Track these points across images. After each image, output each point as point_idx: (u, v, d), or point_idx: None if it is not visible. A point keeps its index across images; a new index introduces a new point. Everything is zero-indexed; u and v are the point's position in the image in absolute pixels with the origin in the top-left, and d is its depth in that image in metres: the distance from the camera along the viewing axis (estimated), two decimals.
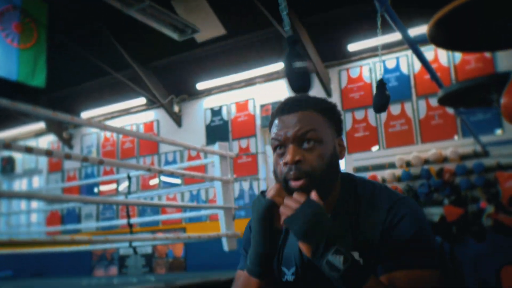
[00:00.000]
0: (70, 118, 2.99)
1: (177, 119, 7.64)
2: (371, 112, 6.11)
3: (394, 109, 5.96)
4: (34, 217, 9.71)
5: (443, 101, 2.73)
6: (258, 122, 6.95)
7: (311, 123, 1.09)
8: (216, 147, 4.36)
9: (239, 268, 1.30)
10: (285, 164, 1.09)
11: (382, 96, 2.22)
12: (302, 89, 1.44)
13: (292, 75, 1.45)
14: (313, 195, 1.04)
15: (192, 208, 5.15)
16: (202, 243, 5.99)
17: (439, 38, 1.77)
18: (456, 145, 5.41)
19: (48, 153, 2.76)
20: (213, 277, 3.55)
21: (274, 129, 1.14)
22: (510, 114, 1.70)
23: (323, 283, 1.10)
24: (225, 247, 4.23)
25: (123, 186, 7.87)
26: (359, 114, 6.20)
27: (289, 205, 1.04)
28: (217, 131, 7.29)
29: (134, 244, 4.46)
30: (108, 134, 8.50)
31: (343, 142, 1.18)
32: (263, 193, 1.12)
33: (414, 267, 1.04)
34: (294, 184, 1.09)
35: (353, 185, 1.18)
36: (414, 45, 2.27)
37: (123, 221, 5.04)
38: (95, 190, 8.36)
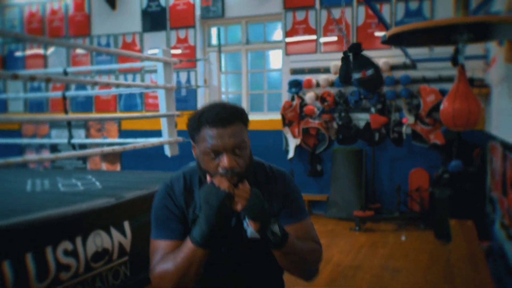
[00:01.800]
0: None
1: (111, 1, 7.19)
2: (312, 14, 6.14)
3: (335, 13, 6.02)
4: None
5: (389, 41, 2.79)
6: (198, 12, 6.74)
7: (240, 135, 1.40)
8: (159, 53, 4.31)
9: (157, 238, 1.53)
10: (225, 168, 1.37)
11: (348, 68, 2.33)
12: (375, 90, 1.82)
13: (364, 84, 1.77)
14: (245, 183, 1.39)
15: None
16: (137, 133, 6.12)
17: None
18: (388, 56, 5.69)
19: None
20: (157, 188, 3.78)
21: (210, 140, 1.38)
22: (446, 120, 1.92)
23: (235, 247, 1.53)
24: (168, 153, 4.43)
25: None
26: (300, 15, 6.21)
27: (243, 196, 1.35)
28: (154, 17, 7.01)
29: (73, 141, 4.54)
30: (33, 8, 7.87)
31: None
32: (212, 183, 1.38)
33: (302, 219, 1.55)
34: (231, 180, 1.39)
35: (256, 166, 1.57)
36: None
37: (57, 94, 4.95)
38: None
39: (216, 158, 1.39)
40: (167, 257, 1.47)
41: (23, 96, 7.48)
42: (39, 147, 7.76)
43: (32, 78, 2.85)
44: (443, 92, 5.25)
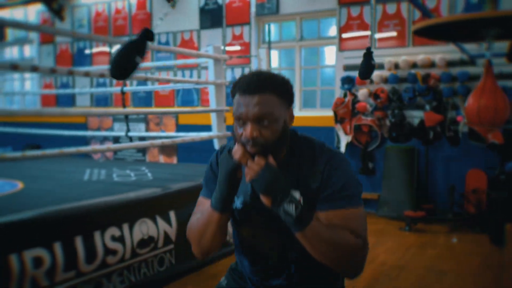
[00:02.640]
0: None
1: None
2: (366, 9, 6.05)
3: (390, 8, 5.90)
4: (28, 85, 9.89)
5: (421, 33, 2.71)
6: (253, 9, 6.83)
7: (268, 106, 1.33)
8: (210, 50, 4.44)
9: (201, 195, 1.65)
10: (246, 137, 1.35)
11: (368, 65, 2.32)
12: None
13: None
14: (270, 159, 1.34)
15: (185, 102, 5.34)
16: (194, 128, 6.32)
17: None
18: (445, 51, 5.50)
19: (34, 69, 2.88)
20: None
21: (236, 107, 1.37)
22: (471, 116, 1.86)
23: (265, 211, 1.44)
24: (216, 146, 4.55)
25: None
26: (355, 10, 6.14)
27: (253, 168, 1.32)
28: (211, 15, 7.18)
29: (129, 134, 4.77)
30: (100, 8, 8.30)
31: (292, 112, 1.45)
32: (230, 151, 1.40)
33: (344, 207, 1.38)
34: (251, 150, 1.36)
35: (298, 143, 1.48)
36: None
37: (117, 89, 5.25)
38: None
39: (242, 127, 1.36)
40: (198, 213, 1.57)
41: (87, 91, 7.91)
42: (103, 139, 8.18)
43: (87, 74, 3.04)
44: (504, 89, 5.00)
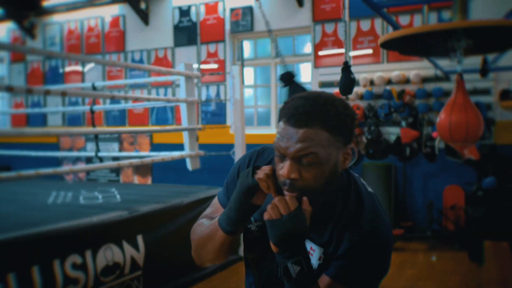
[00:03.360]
0: None
1: (144, 17, 7.34)
2: (341, 26, 6.03)
3: (364, 24, 5.90)
4: None
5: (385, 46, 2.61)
6: (228, 26, 6.77)
7: (313, 145, 1.07)
8: (181, 67, 4.33)
9: (217, 196, 1.40)
10: (282, 177, 1.11)
11: (347, 79, 2.24)
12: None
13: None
14: (305, 204, 1.10)
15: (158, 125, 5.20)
16: (169, 147, 6.17)
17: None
18: (420, 67, 5.50)
19: (9, 89, 2.73)
20: (175, 202, 3.76)
21: (278, 136, 1.12)
22: (442, 132, 1.79)
23: None
24: (189, 166, 4.42)
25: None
26: (329, 27, 6.11)
27: (278, 207, 1.09)
28: (186, 32, 7.09)
29: (100, 154, 4.60)
30: (72, 26, 8.15)
31: (350, 150, 1.16)
32: (255, 168, 1.16)
33: (348, 285, 1.14)
34: (287, 193, 1.12)
35: (351, 193, 1.21)
36: None
37: (88, 108, 5.13)
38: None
39: (282, 161, 1.11)
40: (207, 218, 1.36)
41: (58, 110, 7.71)
42: (76, 160, 7.95)
43: (63, 94, 2.91)
44: (478, 105, 5.00)
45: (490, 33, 1.97)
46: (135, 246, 3.26)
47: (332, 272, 1.16)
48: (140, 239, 3.30)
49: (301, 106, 1.07)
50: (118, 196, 4.13)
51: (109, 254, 3.04)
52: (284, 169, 1.08)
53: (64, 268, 2.72)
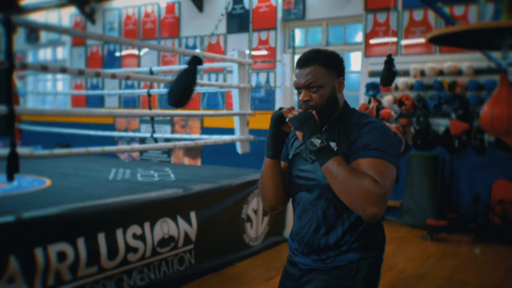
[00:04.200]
0: None
1: (199, 4, 7.57)
2: (393, 15, 6.02)
3: (417, 14, 5.86)
4: (60, 86, 10.17)
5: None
6: (279, 14, 6.88)
7: (315, 76, 1.58)
8: (235, 54, 4.49)
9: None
10: (300, 101, 1.62)
11: (389, 72, 2.33)
12: None
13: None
14: (314, 113, 1.57)
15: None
16: (218, 131, 6.40)
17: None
18: (473, 59, 5.43)
19: (63, 70, 2.98)
20: (225, 183, 3.97)
21: (294, 78, 1.64)
22: (485, 124, 1.85)
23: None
24: (239, 150, 4.61)
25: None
26: (381, 17, 6.12)
27: (293, 113, 1.57)
28: (238, 19, 7.27)
29: (155, 135, 4.87)
30: (130, 11, 8.49)
31: (342, 80, 1.65)
32: (280, 108, 1.64)
33: (374, 157, 1.48)
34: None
35: (349, 113, 1.66)
36: None
37: (144, 91, 5.45)
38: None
39: (300, 93, 1.62)
40: None
41: (114, 92, 8.09)
42: (130, 140, 8.35)
43: (113, 76, 3.14)
44: None
45: None
46: (189, 221, 3.49)
47: (355, 155, 1.51)
48: (193, 215, 3.53)
49: (304, 55, 1.62)
50: (172, 175, 4.39)
51: (165, 227, 3.29)
52: (301, 95, 1.61)
53: (125, 237, 2.99)
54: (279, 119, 1.63)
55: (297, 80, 1.62)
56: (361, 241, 1.58)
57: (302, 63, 1.61)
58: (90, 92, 8.29)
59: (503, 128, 2.06)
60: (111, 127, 8.53)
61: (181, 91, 2.52)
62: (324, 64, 1.59)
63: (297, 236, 1.67)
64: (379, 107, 5.93)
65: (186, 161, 7.85)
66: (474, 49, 3.47)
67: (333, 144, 1.58)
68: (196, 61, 2.52)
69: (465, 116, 5.41)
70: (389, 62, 2.33)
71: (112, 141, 8.25)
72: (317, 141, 1.49)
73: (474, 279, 3.87)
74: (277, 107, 6.85)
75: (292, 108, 1.62)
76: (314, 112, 1.57)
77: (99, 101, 8.87)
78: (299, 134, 1.54)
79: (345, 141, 1.58)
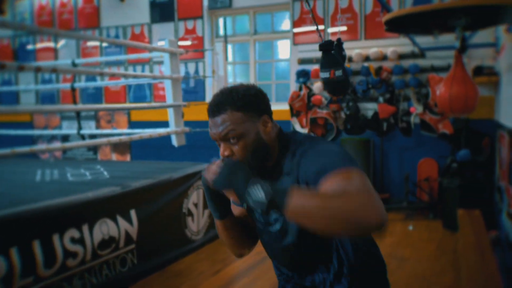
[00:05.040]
0: None
1: None
2: (319, 3, 6.11)
3: (343, 1, 5.99)
4: None
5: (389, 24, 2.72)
6: (206, 3, 6.74)
7: (230, 125, 1.30)
8: (166, 44, 4.33)
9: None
10: (221, 156, 1.34)
11: (340, 56, 2.31)
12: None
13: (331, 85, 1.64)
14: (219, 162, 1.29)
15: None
16: (147, 124, 6.17)
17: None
18: (397, 44, 5.64)
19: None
20: (164, 177, 3.82)
21: (209, 129, 1.36)
22: (443, 104, 1.91)
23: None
24: (174, 143, 4.46)
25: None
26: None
27: (211, 169, 1.28)
28: (162, 8, 7.02)
29: (81, 132, 4.60)
30: (43, 1, 7.93)
31: (267, 118, 1.36)
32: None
33: (332, 173, 1.14)
34: None
35: (286, 143, 1.38)
36: None
37: (65, 85, 5.06)
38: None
39: (219, 145, 1.36)
40: None
41: (33, 87, 7.57)
42: (51, 139, 7.84)
43: (38, 69, 2.89)
44: None
45: (487, 11, 2.10)
46: (129, 220, 3.32)
47: (316, 183, 1.18)
48: (133, 213, 3.36)
49: (213, 100, 1.34)
50: (105, 173, 4.16)
51: (105, 228, 3.10)
52: (220, 150, 1.33)
53: (63, 242, 2.77)
54: (208, 189, 1.38)
55: (211, 132, 1.35)
56: (358, 279, 1.40)
57: (213, 110, 1.33)
58: (5, 88, 7.66)
59: (461, 107, 2.13)
60: (28, 125, 7.96)
61: None
62: (239, 108, 1.31)
63: (281, 275, 1.53)
64: (310, 94, 6.01)
65: (114, 157, 7.52)
66: (408, 33, 3.58)
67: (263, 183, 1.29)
68: None
69: (392, 100, 5.63)
70: (339, 46, 2.32)
71: (31, 140, 7.70)
72: (260, 194, 1.13)
73: (411, 254, 4.04)
74: (207, 98, 6.77)
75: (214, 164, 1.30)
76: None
77: (14, 97, 8.23)
78: (230, 195, 1.28)
79: (295, 181, 1.29)
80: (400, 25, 2.57)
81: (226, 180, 1.22)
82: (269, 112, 1.38)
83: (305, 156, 1.27)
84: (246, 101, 1.33)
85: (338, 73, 2.04)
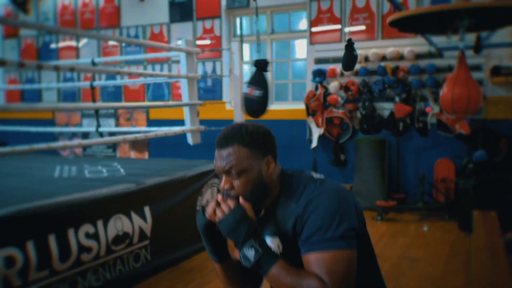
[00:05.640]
0: None
1: None
2: (336, 3, 6.10)
3: (360, 1, 5.97)
4: None
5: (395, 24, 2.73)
6: (224, 2, 6.80)
7: (234, 159, 1.36)
8: (182, 43, 4.39)
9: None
10: (222, 188, 1.42)
11: (350, 55, 2.35)
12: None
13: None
14: (241, 201, 1.37)
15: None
16: (165, 122, 6.26)
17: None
18: (414, 44, 5.61)
19: (2, 63, 2.80)
20: (179, 175, 3.88)
21: (214, 160, 1.42)
22: (445, 105, 1.91)
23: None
24: (190, 141, 4.53)
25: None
26: (325, 4, 6.18)
27: (221, 210, 1.37)
28: (181, 8, 7.11)
29: (100, 129, 4.70)
30: (66, 1, 8.10)
31: (271, 159, 1.43)
32: (203, 208, 1.45)
33: (319, 251, 1.28)
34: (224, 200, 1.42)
35: (287, 191, 1.44)
36: None
37: (86, 84, 5.15)
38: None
39: (221, 178, 1.43)
40: None
41: (55, 86, 7.73)
42: (72, 136, 8.02)
43: (57, 68, 2.97)
44: None
45: (489, 13, 2.09)
46: (143, 217, 3.39)
47: (303, 249, 1.33)
48: (147, 210, 3.44)
49: (223, 133, 1.41)
50: (122, 170, 4.24)
51: (119, 224, 3.17)
52: (221, 183, 1.40)
53: (78, 236, 2.85)
54: (207, 227, 1.43)
55: (215, 164, 1.40)
56: None
57: (221, 142, 1.39)
58: (28, 86, 7.85)
59: (463, 108, 2.13)
60: (50, 123, 8.15)
61: None
62: (246, 144, 1.37)
63: None
64: (326, 93, 6.01)
65: (133, 155, 7.65)
66: (427, 33, 3.57)
67: (275, 242, 1.36)
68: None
69: (408, 100, 5.59)
70: (350, 46, 2.34)
71: (52, 137, 7.88)
72: (251, 254, 1.30)
73: (424, 255, 4.02)
74: (225, 97, 6.83)
75: (217, 203, 1.39)
76: (242, 200, 1.36)
77: (36, 95, 8.43)
78: (229, 241, 1.38)
79: (288, 231, 1.38)
80: (411, 26, 2.57)
81: (230, 229, 1.34)
82: (274, 153, 1.44)
83: (306, 212, 1.34)
84: (253, 138, 1.39)
85: (258, 93, 2.08)
